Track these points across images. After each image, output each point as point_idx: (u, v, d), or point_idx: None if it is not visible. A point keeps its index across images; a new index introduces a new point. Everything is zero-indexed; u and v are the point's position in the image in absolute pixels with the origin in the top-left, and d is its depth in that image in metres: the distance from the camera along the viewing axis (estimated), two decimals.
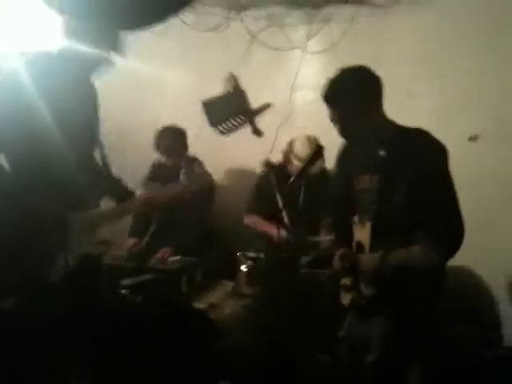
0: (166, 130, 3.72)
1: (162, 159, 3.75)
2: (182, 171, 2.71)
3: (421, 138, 2.13)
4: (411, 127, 2.19)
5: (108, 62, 2.34)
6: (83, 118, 2.39)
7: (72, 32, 2.26)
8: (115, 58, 2.34)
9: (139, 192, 2.64)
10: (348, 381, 2.44)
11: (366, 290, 2.21)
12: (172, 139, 3.69)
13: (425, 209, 2.03)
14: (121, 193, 2.60)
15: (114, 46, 2.34)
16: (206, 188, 3.56)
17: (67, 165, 2.26)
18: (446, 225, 2.05)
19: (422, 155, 2.07)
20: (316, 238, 3.38)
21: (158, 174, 3.78)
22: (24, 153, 2.16)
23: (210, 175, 3.71)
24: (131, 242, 3.64)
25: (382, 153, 2.19)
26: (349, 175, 2.35)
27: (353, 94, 2.15)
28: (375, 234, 2.18)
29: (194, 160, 3.78)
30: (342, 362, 2.45)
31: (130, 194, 2.62)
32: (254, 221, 3.66)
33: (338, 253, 2.35)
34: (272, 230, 3.44)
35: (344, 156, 2.46)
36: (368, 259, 2.18)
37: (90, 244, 2.37)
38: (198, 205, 3.46)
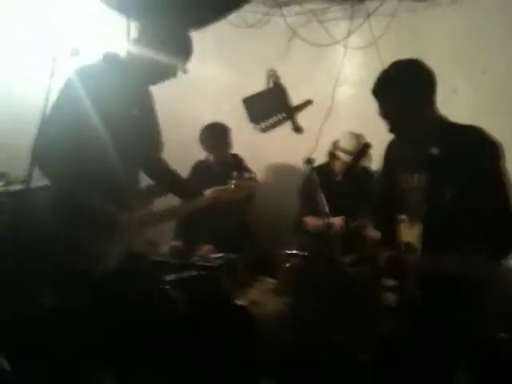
0: (211, 127, 3.74)
1: (205, 155, 3.77)
2: (234, 173, 2.71)
3: (475, 136, 2.05)
4: (464, 124, 2.13)
5: (174, 66, 2.34)
6: (142, 121, 2.41)
7: (140, 35, 2.29)
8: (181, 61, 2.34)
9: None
10: (387, 380, 2.41)
11: (413, 291, 2.17)
12: (216, 136, 3.71)
13: (479, 210, 1.97)
14: (189, 191, 2.65)
15: (183, 46, 2.35)
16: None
17: (122, 167, 2.29)
18: (502, 225, 1.98)
19: (476, 154, 2.00)
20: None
21: (200, 172, 3.81)
22: (81, 154, 2.19)
23: (254, 179, 3.75)
24: (175, 243, 3.68)
25: (433, 151, 2.12)
26: (396, 173, 2.30)
27: (405, 87, 2.09)
28: (426, 234, 2.12)
29: (235, 156, 3.81)
30: (381, 361, 2.42)
31: (196, 193, 2.65)
32: (310, 221, 3.64)
33: (387, 255, 2.31)
34: (335, 222, 3.43)
35: (391, 154, 2.40)
36: (421, 260, 2.13)
37: (139, 243, 2.41)
38: (240, 204, 3.47)
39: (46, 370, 2.36)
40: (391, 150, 2.41)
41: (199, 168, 3.87)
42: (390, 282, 2.32)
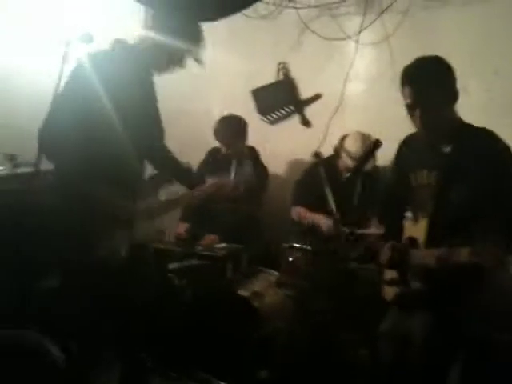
0: (226, 119, 3.71)
1: (219, 147, 3.76)
2: (247, 161, 2.70)
3: (488, 139, 2.09)
4: (478, 126, 2.15)
5: (183, 55, 2.36)
6: (149, 109, 2.43)
7: (152, 23, 2.29)
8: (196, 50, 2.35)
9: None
10: (386, 375, 2.42)
11: (414, 284, 2.19)
12: (230, 129, 3.67)
13: (486, 209, 1.99)
14: (192, 179, 2.65)
15: (195, 37, 2.35)
16: (262, 184, 3.60)
17: (130, 155, 2.30)
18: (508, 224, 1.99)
19: (487, 156, 2.03)
20: (365, 231, 3.35)
21: (213, 162, 3.80)
22: (87, 142, 2.18)
23: (267, 172, 3.75)
24: (182, 227, 3.68)
25: (446, 149, 2.15)
26: (406, 170, 2.33)
27: (441, 79, 2.12)
28: (432, 230, 2.14)
29: (252, 150, 3.79)
30: (381, 356, 2.43)
31: (201, 181, 2.65)
32: (299, 212, 3.64)
33: (389, 244, 2.32)
34: (320, 221, 3.43)
35: (403, 150, 2.43)
36: (425, 255, 2.14)
37: (148, 232, 2.43)
38: (251, 197, 3.47)
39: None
40: (403, 148, 2.44)
41: (213, 155, 3.85)
42: (392, 275, 2.33)
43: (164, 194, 2.55)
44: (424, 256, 2.14)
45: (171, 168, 2.64)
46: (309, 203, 3.54)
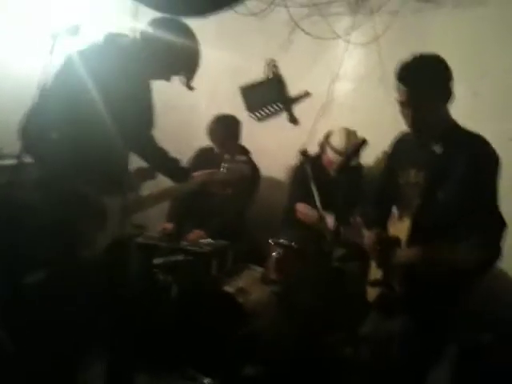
0: (221, 119, 3.69)
1: (210, 146, 3.75)
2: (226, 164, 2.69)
3: (479, 144, 2.09)
4: (472, 131, 2.17)
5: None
6: (140, 101, 2.40)
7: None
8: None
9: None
10: (368, 376, 2.44)
11: (397, 286, 2.20)
12: (225, 129, 3.66)
13: (468, 210, 2.01)
14: (179, 172, 2.64)
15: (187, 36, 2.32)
16: (247, 183, 3.59)
17: (117, 148, 2.29)
18: (488, 223, 2.02)
19: (476, 161, 2.04)
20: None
21: (202, 160, 3.76)
22: (73, 135, 2.17)
23: (258, 171, 3.74)
24: (168, 225, 3.67)
25: (437, 149, 2.16)
26: (396, 168, 2.34)
27: (435, 77, 2.12)
28: (414, 229, 2.16)
29: (244, 149, 3.78)
30: (363, 357, 2.45)
31: (187, 174, 2.64)
32: (302, 210, 3.61)
33: (374, 231, 2.34)
34: (311, 220, 3.45)
35: (396, 148, 2.45)
36: (407, 252, 2.16)
37: (127, 227, 2.41)
38: (241, 194, 3.47)
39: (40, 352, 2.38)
40: (397, 145, 2.45)
41: (203, 156, 3.83)
42: (375, 276, 2.35)
43: (148, 188, 2.55)
44: (405, 255, 2.16)
45: (161, 160, 2.62)
46: (304, 201, 3.55)
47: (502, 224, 2.06)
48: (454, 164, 2.06)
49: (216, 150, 3.69)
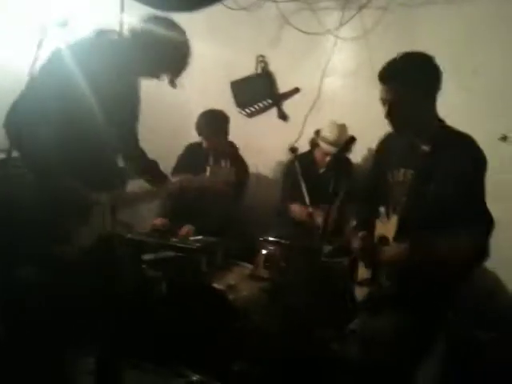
0: (208, 113, 3.68)
1: (199, 142, 3.74)
2: (224, 161, 2.68)
3: (467, 144, 2.10)
4: (460, 131, 2.17)
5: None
6: (125, 100, 2.38)
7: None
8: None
9: (174, 176, 2.63)
10: (358, 373, 2.44)
11: (386, 283, 2.21)
12: (213, 123, 3.65)
13: (454, 206, 2.02)
14: (155, 176, 2.60)
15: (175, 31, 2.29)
16: (242, 179, 3.58)
17: (105, 144, 2.27)
18: (474, 216, 2.03)
19: (463, 160, 2.05)
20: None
21: (193, 157, 3.76)
22: (61, 130, 2.13)
23: (247, 167, 3.73)
24: (159, 221, 3.66)
25: (425, 148, 2.17)
26: (384, 167, 2.35)
27: (416, 76, 2.11)
28: (401, 226, 2.16)
29: (232, 146, 3.78)
30: (351, 354, 2.45)
31: (163, 178, 2.62)
32: (295, 209, 3.64)
33: (360, 234, 2.34)
34: (301, 216, 3.45)
35: (383, 148, 2.46)
36: (394, 249, 2.17)
37: (113, 224, 2.37)
38: (230, 193, 3.46)
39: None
40: (385, 144, 2.45)
41: (192, 150, 3.83)
42: (363, 275, 2.36)
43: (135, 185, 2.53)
44: (393, 252, 2.17)
45: (140, 161, 2.60)
46: (295, 198, 3.56)
47: (489, 219, 2.06)
48: (441, 163, 2.07)
49: (204, 144, 3.68)
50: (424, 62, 2.14)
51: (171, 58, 2.29)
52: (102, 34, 2.26)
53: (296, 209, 3.61)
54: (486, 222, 2.04)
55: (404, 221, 2.16)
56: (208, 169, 2.58)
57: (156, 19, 2.27)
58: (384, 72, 2.14)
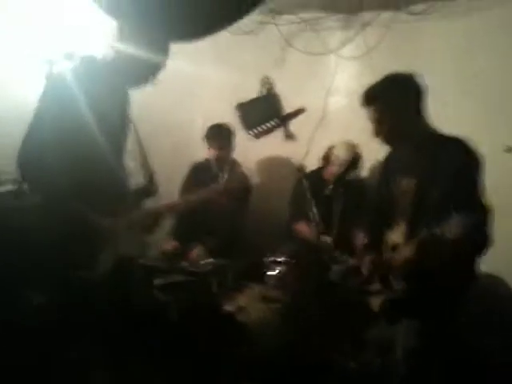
0: (220, 126, 3.77)
1: (207, 156, 3.80)
2: (223, 174, 2.73)
3: (459, 148, 2.21)
4: (451, 135, 2.29)
5: (157, 67, 2.36)
6: (117, 125, 2.41)
7: (123, 37, 2.28)
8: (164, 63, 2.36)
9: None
10: None
11: (398, 285, 2.27)
12: (223, 133, 3.74)
13: (454, 201, 2.08)
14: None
15: (164, 51, 2.35)
16: (242, 193, 3.61)
17: (109, 169, 2.30)
18: (472, 205, 2.10)
19: (457, 162, 2.16)
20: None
21: (199, 173, 3.84)
22: (68, 156, 2.16)
23: (247, 180, 3.76)
24: (170, 245, 3.68)
25: (419, 157, 2.29)
26: (390, 180, 2.46)
27: (393, 92, 2.30)
28: (409, 231, 2.26)
29: (234, 162, 3.83)
30: (368, 367, 2.46)
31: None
32: (302, 229, 3.65)
33: (368, 258, 2.37)
34: (309, 235, 3.46)
35: (387, 163, 2.57)
36: (402, 252, 2.24)
37: (130, 246, 2.40)
38: (232, 208, 3.50)
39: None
40: (387, 160, 2.58)
41: (198, 169, 3.89)
42: (375, 287, 2.37)
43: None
44: (402, 254, 2.24)
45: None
46: (304, 218, 3.56)
47: (487, 209, 2.16)
48: (436, 169, 2.19)
49: (212, 156, 3.74)
50: (402, 80, 2.32)
51: (153, 68, 2.35)
52: (95, 57, 2.32)
53: (303, 228, 3.62)
54: (484, 212, 2.13)
55: (412, 226, 2.25)
56: (222, 174, 2.62)
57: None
58: (365, 96, 2.34)
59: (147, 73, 2.36)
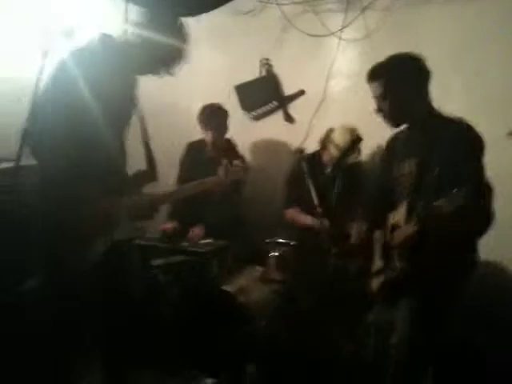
0: (213, 107, 3.74)
1: (202, 136, 3.79)
2: (223, 163, 2.72)
3: (462, 128, 2.24)
4: (454, 117, 2.31)
5: (171, 56, 2.33)
6: (128, 98, 2.41)
7: (136, 20, 2.27)
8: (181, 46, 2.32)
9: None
10: (372, 368, 2.46)
11: (399, 264, 2.27)
12: (218, 115, 3.72)
13: (455, 185, 2.06)
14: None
15: (178, 33, 2.32)
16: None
17: (113, 153, 2.30)
18: (474, 179, 2.08)
19: (459, 142, 2.18)
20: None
21: (194, 153, 3.84)
22: (72, 138, 2.15)
23: (246, 164, 3.75)
24: (169, 225, 3.68)
25: (422, 138, 2.31)
26: (392, 165, 2.46)
27: (399, 70, 2.32)
28: (409, 210, 2.26)
29: (229, 142, 3.82)
30: (366, 348, 2.48)
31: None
32: (293, 214, 3.66)
33: (357, 226, 2.53)
34: (308, 220, 3.46)
35: (391, 145, 2.57)
36: (403, 231, 2.25)
37: (127, 229, 2.40)
38: (229, 192, 3.48)
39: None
40: (390, 142, 2.58)
41: (193, 149, 3.88)
42: (376, 267, 2.40)
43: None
44: (404, 232, 2.25)
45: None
46: (298, 201, 3.56)
47: (489, 188, 2.15)
48: (438, 149, 2.20)
49: (207, 138, 3.74)
50: (408, 60, 2.34)
51: (169, 54, 2.32)
52: (104, 38, 2.29)
53: (291, 214, 3.64)
54: (486, 189, 2.12)
55: (412, 205, 2.26)
56: (220, 169, 2.63)
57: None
58: (371, 72, 2.35)
59: (158, 61, 2.32)
